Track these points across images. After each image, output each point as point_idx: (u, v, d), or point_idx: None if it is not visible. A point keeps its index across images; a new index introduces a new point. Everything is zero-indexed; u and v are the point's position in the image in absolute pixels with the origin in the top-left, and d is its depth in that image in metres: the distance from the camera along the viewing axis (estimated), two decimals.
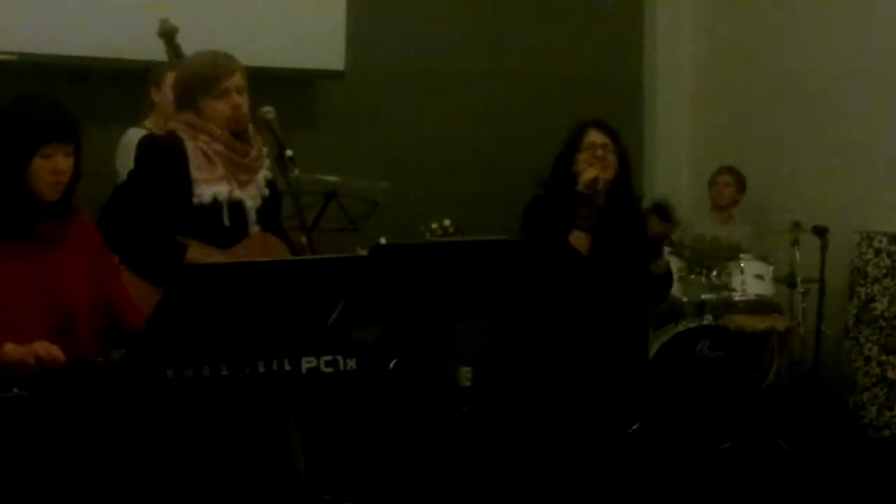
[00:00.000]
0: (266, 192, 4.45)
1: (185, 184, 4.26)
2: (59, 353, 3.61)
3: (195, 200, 4.27)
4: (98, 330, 3.95)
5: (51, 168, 3.74)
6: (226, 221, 4.30)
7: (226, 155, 4.33)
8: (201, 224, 4.23)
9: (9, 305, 3.74)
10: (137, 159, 4.42)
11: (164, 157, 4.31)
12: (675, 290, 6.90)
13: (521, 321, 5.16)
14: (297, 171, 4.48)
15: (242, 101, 4.35)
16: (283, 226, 4.51)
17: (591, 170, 5.22)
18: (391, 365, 4.47)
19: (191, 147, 4.30)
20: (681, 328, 6.69)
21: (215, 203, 4.29)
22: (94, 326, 3.92)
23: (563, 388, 5.20)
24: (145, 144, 4.44)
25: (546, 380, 5.23)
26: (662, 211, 5.26)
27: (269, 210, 4.43)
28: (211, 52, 4.52)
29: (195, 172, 4.28)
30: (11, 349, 3.60)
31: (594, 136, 5.35)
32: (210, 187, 4.28)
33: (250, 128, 4.42)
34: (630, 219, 5.32)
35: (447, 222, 4.98)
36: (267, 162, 4.47)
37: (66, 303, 3.84)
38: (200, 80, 4.34)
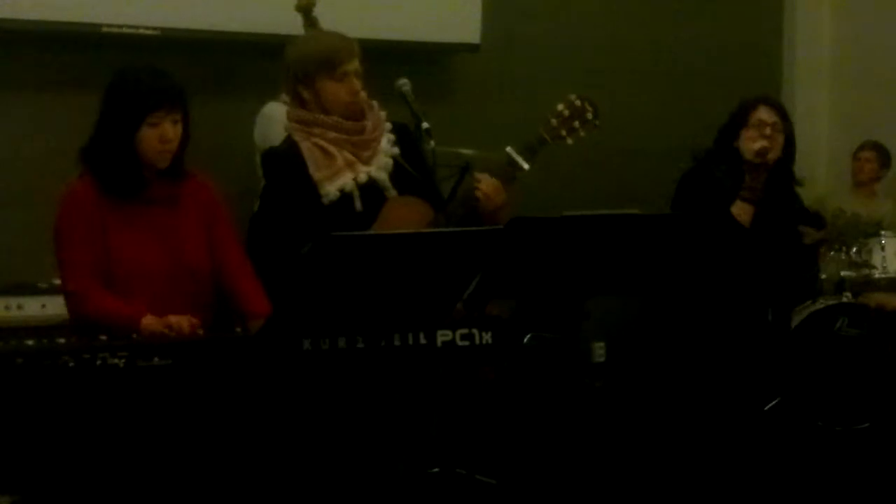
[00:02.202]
0: (395, 150, 4.44)
1: (311, 188, 4.29)
2: (197, 324, 3.70)
3: (324, 200, 4.29)
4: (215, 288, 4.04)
5: (158, 136, 3.83)
6: (358, 207, 4.31)
7: (343, 139, 4.33)
8: (338, 219, 4.22)
9: (139, 267, 3.85)
10: (264, 176, 4.47)
11: (284, 169, 4.34)
12: None
13: (658, 296, 5.12)
14: (432, 144, 4.49)
15: (360, 86, 4.35)
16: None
17: (762, 140, 5.16)
18: (526, 339, 4.46)
19: (306, 148, 4.32)
20: (819, 305, 6.57)
21: (344, 195, 4.31)
22: (215, 284, 4.01)
23: (698, 365, 5.16)
24: (266, 161, 4.49)
25: (682, 356, 5.19)
26: (816, 220, 5.21)
27: (405, 171, 4.42)
28: (329, 33, 4.53)
29: (315, 174, 4.30)
30: (151, 322, 3.69)
31: (764, 114, 5.26)
32: (333, 183, 4.30)
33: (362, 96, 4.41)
34: (789, 202, 5.26)
35: (572, 96, 4.75)
36: (388, 125, 4.47)
37: (189, 260, 3.95)
38: (322, 60, 4.32)
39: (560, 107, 4.69)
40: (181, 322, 3.71)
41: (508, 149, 4.57)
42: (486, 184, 4.46)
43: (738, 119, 5.31)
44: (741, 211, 5.11)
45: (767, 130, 5.21)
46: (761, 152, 5.14)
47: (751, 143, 5.19)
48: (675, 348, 5.20)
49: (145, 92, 3.84)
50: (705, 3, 8.11)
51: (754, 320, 5.26)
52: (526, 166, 4.54)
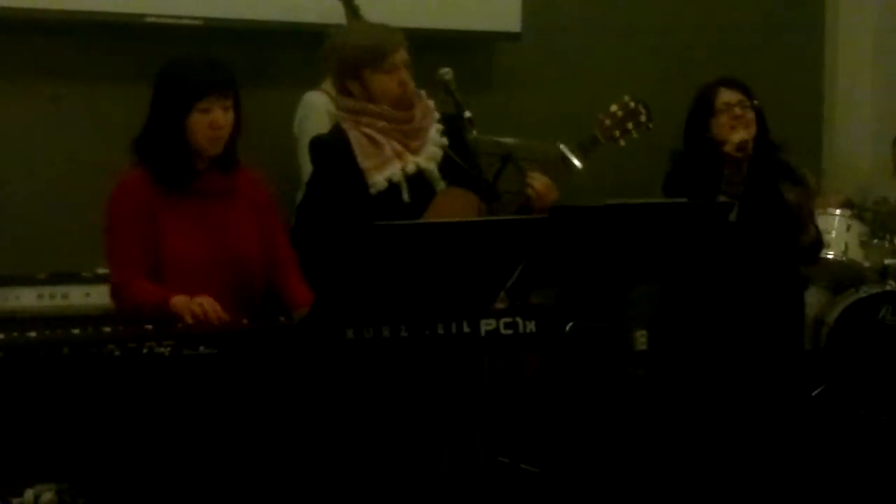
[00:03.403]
0: (444, 141, 4.44)
1: (359, 177, 4.28)
2: (221, 309, 3.70)
3: (372, 190, 4.28)
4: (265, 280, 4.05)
5: (209, 122, 3.84)
6: (405, 198, 4.30)
7: (392, 129, 4.33)
8: (385, 210, 4.19)
9: (191, 259, 3.87)
10: (312, 164, 4.46)
11: (332, 158, 4.34)
12: (857, 255, 6.78)
13: (701, 285, 5.09)
14: (474, 133, 4.48)
15: (408, 77, 4.35)
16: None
17: (740, 132, 5.01)
18: (567, 328, 4.45)
19: (354, 137, 4.31)
20: (862, 294, 6.56)
21: (392, 185, 4.30)
22: (265, 277, 4.02)
23: (741, 354, 5.13)
24: (313, 149, 4.46)
25: (725, 344, 5.16)
26: (791, 175, 5.07)
27: (454, 162, 4.42)
28: (374, 25, 4.53)
29: (364, 163, 4.29)
30: (180, 301, 3.70)
31: (727, 96, 5.12)
32: (381, 173, 4.29)
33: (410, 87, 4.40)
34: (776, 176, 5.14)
35: (626, 98, 4.79)
36: (436, 115, 4.46)
37: (240, 252, 3.96)
38: (368, 53, 4.32)
39: (613, 108, 4.73)
40: (204, 304, 3.70)
41: (561, 146, 4.59)
42: (538, 182, 4.45)
43: (703, 108, 5.17)
44: None
45: (737, 111, 5.06)
46: (741, 146, 4.97)
47: (729, 133, 5.01)
48: (717, 337, 5.16)
49: (195, 78, 3.86)
50: None
51: (769, 307, 5.17)
52: (579, 165, 4.56)
